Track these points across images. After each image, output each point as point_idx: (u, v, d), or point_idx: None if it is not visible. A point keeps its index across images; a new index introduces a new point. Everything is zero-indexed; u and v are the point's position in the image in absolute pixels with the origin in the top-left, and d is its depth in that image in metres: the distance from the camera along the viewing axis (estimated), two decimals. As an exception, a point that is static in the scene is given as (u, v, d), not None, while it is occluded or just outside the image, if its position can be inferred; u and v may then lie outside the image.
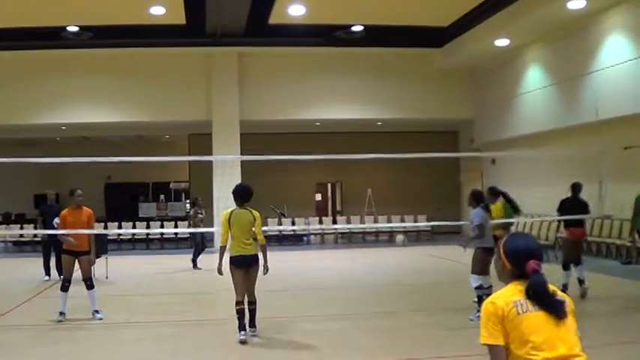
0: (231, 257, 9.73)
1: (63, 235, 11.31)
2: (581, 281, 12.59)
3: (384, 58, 25.83)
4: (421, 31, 23.77)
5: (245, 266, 9.69)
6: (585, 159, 16.98)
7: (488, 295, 10.57)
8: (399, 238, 25.39)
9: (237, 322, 9.67)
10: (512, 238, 3.66)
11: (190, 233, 19.30)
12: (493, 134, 25.57)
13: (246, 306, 9.78)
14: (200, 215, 19.12)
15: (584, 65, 19.45)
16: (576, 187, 13.29)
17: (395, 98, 26.12)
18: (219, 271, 9.93)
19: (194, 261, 18.71)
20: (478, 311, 10.67)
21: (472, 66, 25.98)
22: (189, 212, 18.99)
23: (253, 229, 9.79)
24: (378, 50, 25.34)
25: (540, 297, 3.41)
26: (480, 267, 11.04)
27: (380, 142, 26.46)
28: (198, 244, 18.89)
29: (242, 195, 10.02)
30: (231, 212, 9.84)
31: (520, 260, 3.51)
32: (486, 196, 12.22)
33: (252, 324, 9.98)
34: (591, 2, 17.95)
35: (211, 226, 20.16)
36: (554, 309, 3.40)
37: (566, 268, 12.84)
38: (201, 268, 18.22)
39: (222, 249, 9.80)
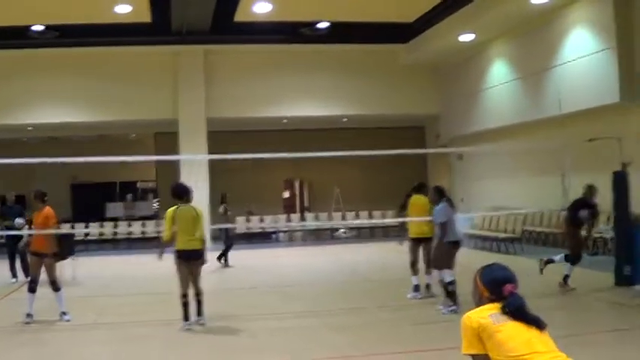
0: (176, 251, 10.32)
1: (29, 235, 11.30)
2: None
3: (350, 54, 25.89)
4: (386, 27, 23.81)
5: (190, 260, 10.31)
6: (550, 152, 17.20)
7: (453, 289, 10.76)
8: (341, 231, 25.69)
9: (182, 312, 10.23)
10: (488, 270, 3.87)
11: (222, 229, 19.11)
12: (459, 129, 25.74)
13: (192, 297, 10.34)
14: (229, 212, 19.07)
15: (548, 59, 19.65)
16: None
17: (361, 94, 26.19)
18: (160, 258, 10.66)
19: (224, 257, 18.67)
20: (450, 306, 10.80)
21: (437, 61, 26.10)
22: (219, 210, 18.86)
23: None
24: (344, 47, 25.39)
25: (520, 314, 3.62)
26: (449, 261, 11.14)
27: (347, 138, 26.56)
28: (231, 240, 18.98)
29: (179, 194, 10.71)
30: (176, 209, 10.47)
31: (498, 287, 3.73)
32: (431, 194, 12.29)
33: (200, 312, 10.52)
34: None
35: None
36: (534, 322, 3.62)
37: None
38: (232, 266, 18.46)
39: (166, 244, 10.50)
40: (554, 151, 16.61)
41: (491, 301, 3.73)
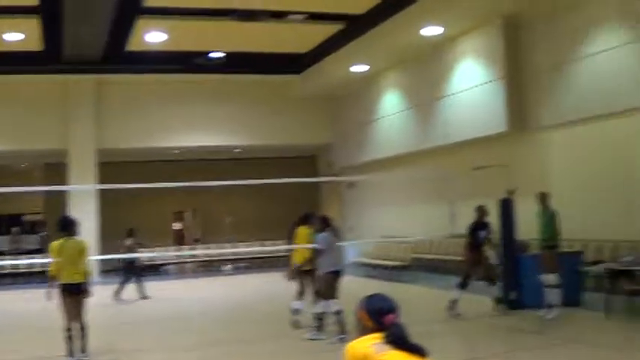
0: (60, 285, 10.10)
1: None
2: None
3: (244, 84, 25.86)
4: (280, 58, 23.93)
5: (73, 293, 10.11)
6: (439, 180, 17.54)
7: (341, 319, 10.84)
8: (227, 267, 25.65)
9: (66, 348, 9.98)
10: (370, 300, 3.91)
11: (129, 262, 18.36)
12: (351, 158, 25.99)
13: (75, 332, 10.10)
14: (136, 247, 18.54)
15: (439, 89, 20.08)
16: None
17: (254, 125, 26.19)
18: (49, 298, 10.23)
19: (122, 290, 17.97)
20: (316, 331, 10.96)
21: (331, 91, 26.35)
22: (125, 242, 18.20)
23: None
24: (238, 77, 25.33)
25: (402, 343, 3.67)
26: (329, 291, 11.23)
27: (240, 168, 26.49)
28: (133, 273, 18.38)
29: (64, 227, 10.52)
30: (61, 243, 10.28)
31: (380, 317, 3.78)
32: (316, 223, 12.41)
33: (84, 348, 10.23)
34: (446, 29, 18.57)
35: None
36: (416, 350, 3.67)
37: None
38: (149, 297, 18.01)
39: (53, 278, 10.21)
40: (443, 179, 16.96)
41: (374, 330, 3.77)
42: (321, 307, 11.37)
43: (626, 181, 14.95)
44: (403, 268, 19.78)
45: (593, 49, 15.11)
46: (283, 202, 27.40)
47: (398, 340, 3.67)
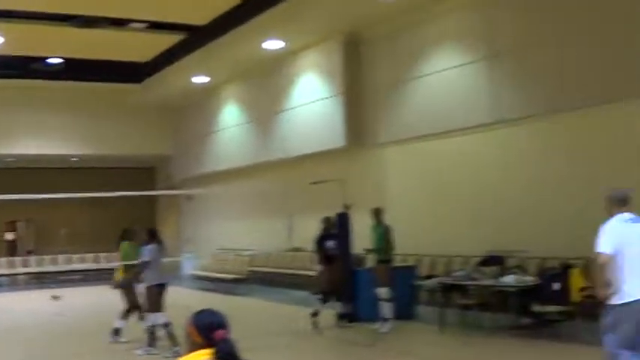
0: None
1: None
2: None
3: (83, 92, 24.98)
4: (120, 66, 23.38)
5: None
6: (277, 194, 17.57)
7: (170, 331, 10.61)
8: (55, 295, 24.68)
9: None
10: (201, 316, 3.82)
11: None
12: (190, 170, 25.69)
13: None
14: None
15: (278, 103, 20.14)
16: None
17: (92, 133, 25.40)
18: None
19: None
20: (149, 346, 10.68)
21: (171, 102, 25.97)
22: None
23: None
24: (77, 84, 24.42)
25: (233, 358, 3.60)
26: (155, 304, 11.01)
27: (78, 178, 25.64)
28: None
29: None
30: None
31: (210, 333, 3.68)
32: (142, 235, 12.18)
33: None
34: (287, 43, 18.63)
35: None
36: None
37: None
38: None
39: None
40: (281, 193, 17.00)
41: (204, 346, 3.66)
42: (150, 320, 11.10)
43: (458, 198, 15.44)
44: (240, 281, 19.62)
45: (429, 69, 15.58)
46: (120, 213, 26.66)
47: (227, 356, 3.60)
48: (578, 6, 12.40)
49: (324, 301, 13.05)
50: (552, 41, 12.88)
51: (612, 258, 6.68)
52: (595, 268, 7.00)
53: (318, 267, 13.73)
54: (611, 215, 6.92)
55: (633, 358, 6.66)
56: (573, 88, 12.55)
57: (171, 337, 10.70)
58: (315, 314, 12.84)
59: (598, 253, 6.73)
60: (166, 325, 10.79)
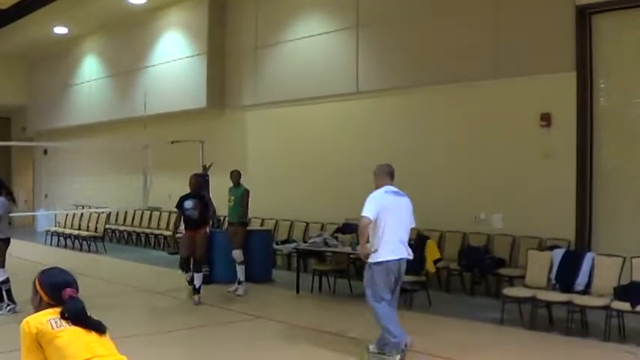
0: None
1: None
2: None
3: None
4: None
5: None
6: (135, 152, 17.25)
7: (7, 288, 10.22)
8: None
9: None
10: (47, 274, 3.78)
11: None
12: (47, 123, 24.87)
13: None
14: None
15: (140, 60, 19.80)
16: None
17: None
18: None
19: None
20: (8, 305, 10.24)
21: (29, 52, 25.08)
22: None
23: None
24: None
25: (80, 319, 3.58)
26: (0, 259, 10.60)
27: None
28: None
29: None
30: None
31: (58, 292, 3.65)
32: None
33: None
34: (151, -1, 18.25)
35: None
36: (94, 326, 3.59)
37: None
38: None
39: None
40: (139, 150, 16.69)
41: (52, 305, 3.63)
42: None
43: (316, 166, 15.59)
44: (95, 238, 19.23)
45: (296, 34, 15.63)
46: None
47: (74, 315, 3.57)
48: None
49: (183, 268, 12.11)
50: (419, 15, 13.17)
51: (373, 223, 7.51)
52: (359, 230, 7.72)
53: (181, 231, 13.00)
54: (378, 186, 7.77)
55: (389, 307, 7.64)
56: (435, 65, 12.92)
57: (8, 293, 10.31)
58: (191, 281, 12.01)
59: (362, 216, 7.48)
60: (4, 282, 10.39)
